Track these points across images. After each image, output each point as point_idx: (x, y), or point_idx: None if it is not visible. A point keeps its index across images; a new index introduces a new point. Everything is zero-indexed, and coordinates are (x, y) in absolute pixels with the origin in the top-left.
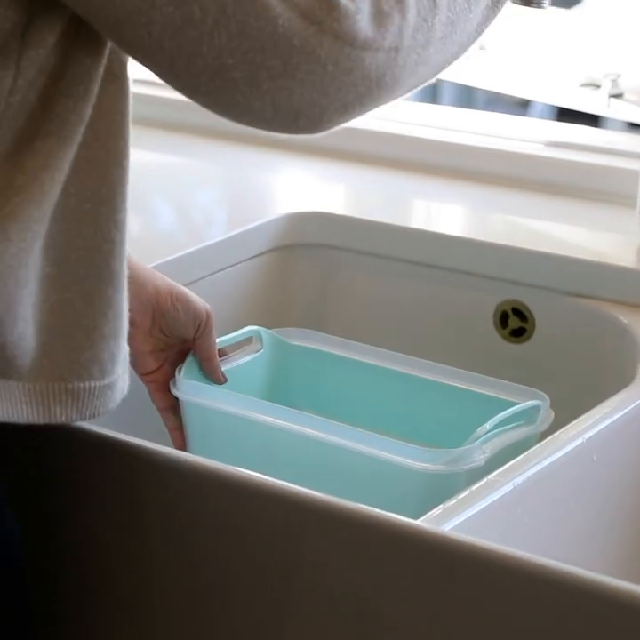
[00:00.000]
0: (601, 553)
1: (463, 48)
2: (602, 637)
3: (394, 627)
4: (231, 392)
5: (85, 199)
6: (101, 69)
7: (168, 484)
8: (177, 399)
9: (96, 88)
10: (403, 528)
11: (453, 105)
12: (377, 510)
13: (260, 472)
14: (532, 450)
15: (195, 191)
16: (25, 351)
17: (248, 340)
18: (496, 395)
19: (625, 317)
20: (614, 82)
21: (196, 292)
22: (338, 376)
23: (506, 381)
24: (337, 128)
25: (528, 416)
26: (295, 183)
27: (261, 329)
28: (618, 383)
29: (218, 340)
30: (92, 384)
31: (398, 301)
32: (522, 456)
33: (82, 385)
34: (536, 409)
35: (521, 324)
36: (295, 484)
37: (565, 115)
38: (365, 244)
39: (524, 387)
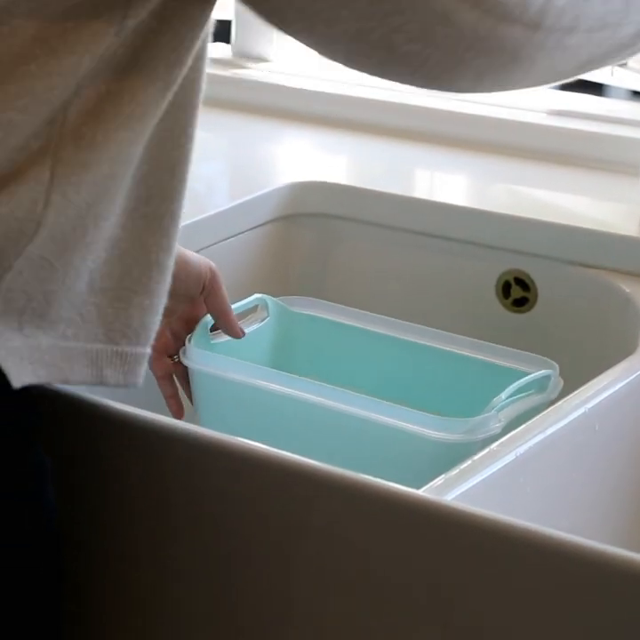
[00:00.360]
0: (603, 522)
1: (608, 57)
2: (604, 606)
3: (395, 594)
4: (242, 361)
5: (157, 166)
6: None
7: (164, 452)
8: (177, 367)
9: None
10: (405, 498)
11: None
12: (378, 480)
13: (272, 441)
14: (533, 419)
15: (197, 161)
16: (87, 316)
17: (254, 309)
18: (504, 363)
19: (627, 287)
20: None
21: None
22: (343, 344)
23: (513, 349)
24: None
25: (538, 385)
26: (297, 153)
27: (267, 297)
28: (620, 353)
29: None
30: (139, 350)
31: (400, 271)
32: (523, 426)
33: (131, 350)
34: (547, 378)
35: (523, 293)
36: (308, 453)
37: (568, 84)
38: (367, 214)
39: (531, 354)
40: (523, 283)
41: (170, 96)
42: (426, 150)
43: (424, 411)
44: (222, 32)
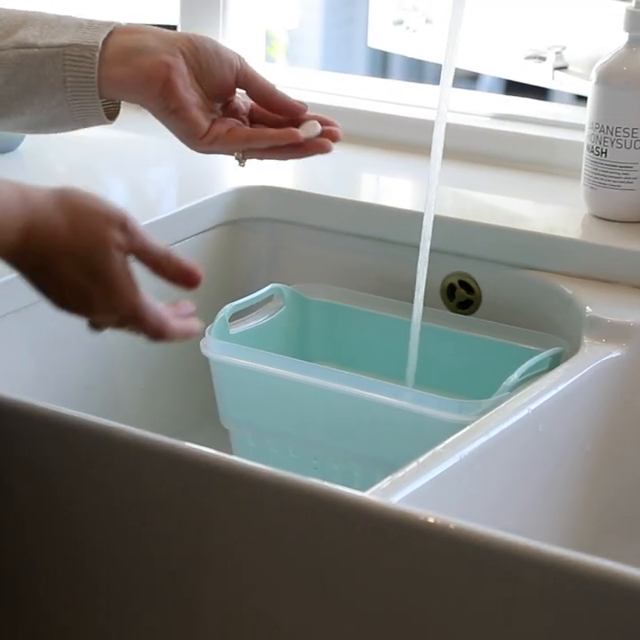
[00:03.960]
0: (548, 522)
1: None
2: (549, 606)
3: (339, 595)
4: (261, 351)
5: None
6: None
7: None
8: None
9: None
10: (350, 501)
11: (403, 78)
12: (324, 483)
13: (292, 428)
14: (476, 422)
15: (146, 166)
16: None
17: (270, 298)
18: (515, 342)
19: (570, 289)
20: (559, 54)
21: None
22: (359, 329)
23: (523, 328)
24: None
25: (550, 362)
26: None
27: (282, 286)
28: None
29: (241, 300)
30: None
31: (346, 275)
32: (468, 428)
33: None
34: (558, 355)
35: (468, 296)
36: (327, 439)
37: (513, 88)
38: (314, 218)
39: (540, 333)
40: (467, 286)
41: None
42: (371, 155)
43: (439, 392)
44: None
